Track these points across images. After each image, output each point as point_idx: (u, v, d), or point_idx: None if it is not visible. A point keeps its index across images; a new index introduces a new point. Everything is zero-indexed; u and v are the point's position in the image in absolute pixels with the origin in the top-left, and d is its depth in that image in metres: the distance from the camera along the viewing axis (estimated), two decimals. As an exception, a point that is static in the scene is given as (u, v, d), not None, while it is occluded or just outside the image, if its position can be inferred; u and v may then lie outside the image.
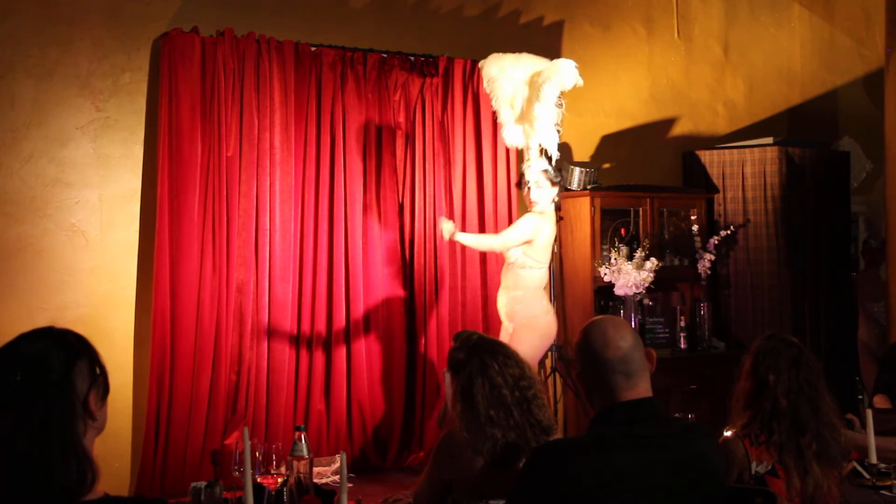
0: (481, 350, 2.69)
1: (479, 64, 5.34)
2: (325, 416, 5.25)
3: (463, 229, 5.68)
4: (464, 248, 5.67)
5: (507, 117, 5.19)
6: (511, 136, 5.21)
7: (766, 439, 2.73)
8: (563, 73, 4.98)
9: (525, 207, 5.93)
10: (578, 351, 2.10)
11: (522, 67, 5.16)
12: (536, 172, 4.91)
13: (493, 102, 5.23)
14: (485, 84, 5.26)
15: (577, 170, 5.98)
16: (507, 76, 5.14)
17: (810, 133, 7.17)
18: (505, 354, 2.70)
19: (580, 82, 5.04)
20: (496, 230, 5.73)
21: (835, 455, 2.73)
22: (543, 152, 5.10)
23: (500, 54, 5.25)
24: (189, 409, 4.84)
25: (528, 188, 4.91)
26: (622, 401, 2.03)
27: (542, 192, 4.90)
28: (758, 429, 2.74)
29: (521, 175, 5.07)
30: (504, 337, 4.79)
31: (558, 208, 6.04)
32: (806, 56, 7.35)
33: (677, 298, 6.37)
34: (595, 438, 2.03)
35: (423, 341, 5.51)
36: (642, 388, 2.05)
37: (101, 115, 4.89)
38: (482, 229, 5.72)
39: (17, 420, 1.59)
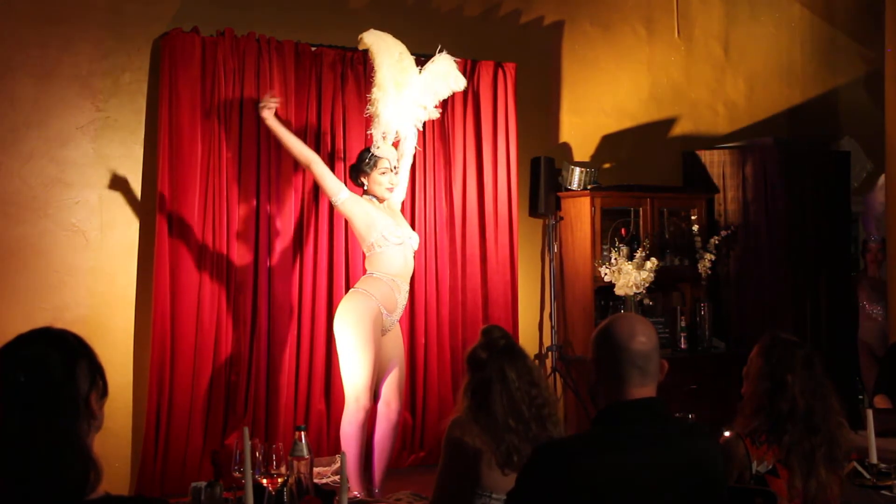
0: (503, 356, 2.66)
1: (360, 36, 4.74)
2: (326, 416, 5.25)
3: (463, 229, 5.68)
4: (464, 247, 5.67)
5: (389, 90, 4.60)
6: (394, 113, 4.60)
7: (767, 439, 2.72)
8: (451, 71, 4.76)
9: (524, 208, 5.99)
10: (600, 338, 2.09)
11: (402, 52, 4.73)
12: (395, 158, 4.58)
13: (378, 71, 4.62)
14: (372, 50, 4.68)
15: (577, 170, 5.99)
16: (389, 48, 4.68)
17: (810, 133, 7.16)
18: (525, 368, 2.67)
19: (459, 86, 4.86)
20: (496, 230, 5.74)
21: (839, 457, 2.73)
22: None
23: (381, 32, 4.78)
24: (189, 409, 4.84)
25: (388, 171, 4.52)
26: (626, 399, 2.03)
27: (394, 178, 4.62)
28: (767, 429, 2.73)
29: (376, 159, 4.52)
30: (396, 331, 4.61)
31: (558, 208, 6.06)
32: (806, 56, 7.35)
33: (677, 298, 6.37)
34: (597, 437, 2.04)
35: (423, 342, 5.50)
36: (649, 389, 2.06)
37: (101, 115, 4.89)
38: (482, 229, 5.71)
39: (22, 420, 1.60)
